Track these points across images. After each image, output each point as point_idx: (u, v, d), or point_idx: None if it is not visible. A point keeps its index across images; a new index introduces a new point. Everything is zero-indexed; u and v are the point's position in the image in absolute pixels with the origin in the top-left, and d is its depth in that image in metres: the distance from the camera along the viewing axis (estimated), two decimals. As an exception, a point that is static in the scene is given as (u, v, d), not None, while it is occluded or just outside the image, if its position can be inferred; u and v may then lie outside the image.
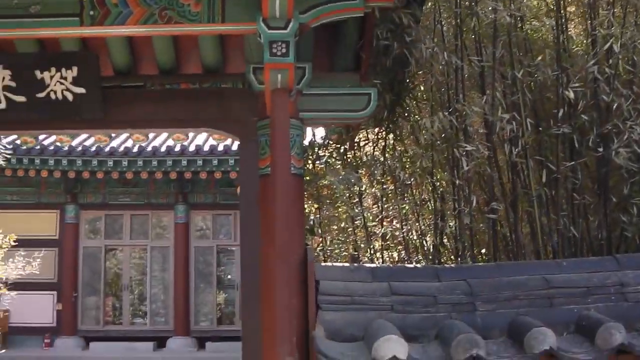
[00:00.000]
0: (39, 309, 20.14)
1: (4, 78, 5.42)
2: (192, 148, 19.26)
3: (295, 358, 4.39)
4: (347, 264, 5.64)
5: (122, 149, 19.26)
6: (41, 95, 5.44)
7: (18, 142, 18.04)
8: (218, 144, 19.32)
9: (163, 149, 19.29)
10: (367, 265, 5.56)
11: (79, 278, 21.55)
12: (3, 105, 5.48)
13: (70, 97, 5.42)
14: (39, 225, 20.51)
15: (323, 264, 5.56)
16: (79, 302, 21.41)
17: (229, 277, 22.57)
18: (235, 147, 19.01)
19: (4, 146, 9.79)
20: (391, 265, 6.00)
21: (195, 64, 6.03)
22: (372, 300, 4.98)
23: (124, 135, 19.52)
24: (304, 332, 4.73)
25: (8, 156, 9.81)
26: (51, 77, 5.39)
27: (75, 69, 5.35)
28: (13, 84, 5.44)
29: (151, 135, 19.39)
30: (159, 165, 19.45)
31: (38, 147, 19.22)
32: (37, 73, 5.39)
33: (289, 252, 4.51)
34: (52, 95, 5.43)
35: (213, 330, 21.23)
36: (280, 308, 4.38)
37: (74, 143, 18.52)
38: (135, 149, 19.28)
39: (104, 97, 5.52)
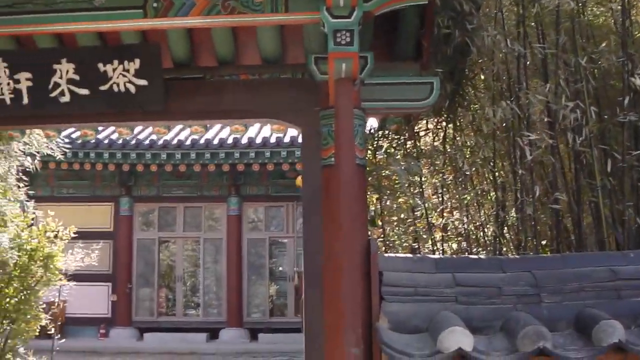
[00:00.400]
0: (95, 300, 20.42)
1: (67, 71, 5.46)
2: (244, 140, 19.33)
3: (360, 349, 4.35)
4: (410, 255, 5.59)
5: (175, 141, 19.44)
6: (104, 87, 5.48)
7: (74, 135, 18.28)
8: (270, 136, 19.36)
9: (216, 141, 19.39)
10: (431, 256, 5.50)
11: (133, 270, 21.82)
12: (67, 99, 5.53)
13: (132, 89, 5.45)
14: (94, 217, 20.79)
15: (386, 254, 5.51)
16: (133, 293, 21.68)
17: (281, 269, 22.67)
18: (287, 139, 19.09)
19: (62, 139, 9.90)
20: (454, 256, 5.93)
21: (254, 55, 6.03)
22: (436, 291, 4.93)
23: (180, 127, 19.70)
24: (366, 324, 4.69)
25: (66, 150, 9.96)
26: (114, 70, 5.41)
27: (137, 61, 5.37)
28: (77, 77, 5.48)
29: (210, 127, 19.51)
30: (212, 157, 19.58)
31: (93, 140, 19.48)
32: (100, 66, 5.42)
33: (353, 242, 4.47)
34: (115, 88, 5.46)
35: (265, 321, 21.34)
36: (346, 299, 4.34)
37: (132, 135, 18.82)
38: (189, 142, 19.44)
39: (165, 88, 5.54)
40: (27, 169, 9.32)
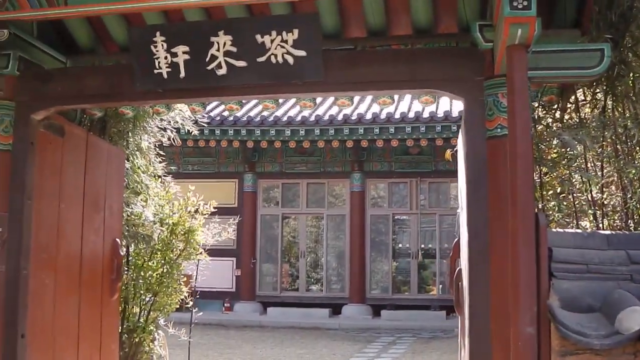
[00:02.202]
0: (220, 275, 20.70)
1: (225, 43, 5.41)
2: (369, 116, 19.25)
3: (534, 329, 4.16)
4: (579, 230, 5.33)
5: (299, 118, 19.54)
6: (261, 59, 5.39)
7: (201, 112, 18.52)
8: (394, 112, 19.21)
9: (340, 117, 19.37)
10: (602, 232, 5.23)
11: (257, 245, 22.20)
12: (224, 71, 5.49)
13: (290, 60, 5.35)
14: (218, 194, 21.07)
15: (554, 229, 5.28)
16: (257, 268, 22.03)
17: (400, 245, 22.60)
18: (412, 114, 18.91)
19: (204, 116, 9.96)
20: (627, 232, 5.62)
21: (405, 26, 5.86)
22: (610, 269, 4.70)
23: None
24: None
25: (203, 126, 9.95)
26: (272, 41, 5.31)
27: (296, 31, 5.25)
28: (234, 49, 5.42)
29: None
30: (336, 133, 19.61)
31: (218, 117, 19.84)
32: (258, 37, 5.33)
33: (527, 217, 4.25)
34: (273, 59, 5.37)
35: (388, 298, 21.37)
36: (521, 276, 4.15)
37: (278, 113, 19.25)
38: (312, 118, 19.50)
39: (324, 59, 5.42)
40: (164, 145, 9.44)
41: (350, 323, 19.85)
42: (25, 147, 5.92)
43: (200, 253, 9.66)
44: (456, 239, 6.30)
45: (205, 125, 17.07)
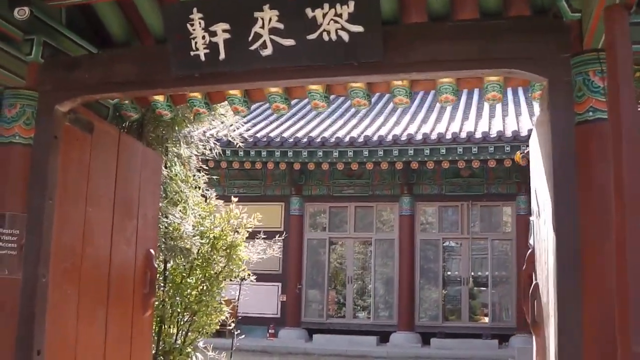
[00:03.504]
0: (264, 300, 20.28)
1: (270, 19, 4.73)
2: (419, 137, 18.62)
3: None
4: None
5: (347, 139, 19.05)
6: (312, 37, 4.69)
7: (247, 133, 18.08)
8: (445, 132, 18.58)
9: (389, 138, 18.80)
10: None
11: (302, 271, 21.67)
12: (269, 51, 4.81)
13: (345, 37, 4.63)
14: (265, 217, 20.54)
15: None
16: (303, 294, 21.46)
17: (449, 272, 22.03)
18: (464, 134, 18.21)
19: (250, 136, 9.39)
20: None
21: (471, 8, 5.12)
22: None
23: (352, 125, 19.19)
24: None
25: (247, 142, 9.34)
26: (324, 15, 4.60)
27: (351, 3, 4.52)
28: (280, 25, 4.73)
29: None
30: (385, 154, 19.01)
31: (265, 139, 19.39)
32: (308, 11, 4.62)
33: (636, 216, 3.46)
34: (325, 36, 4.65)
35: (438, 326, 20.62)
36: (633, 286, 3.37)
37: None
38: (361, 139, 18.98)
39: (384, 35, 4.71)
40: (209, 167, 8.89)
41: (398, 351, 19.14)
42: (48, 142, 5.29)
43: (244, 270, 9.04)
44: (529, 250, 5.52)
45: (251, 146, 16.72)
